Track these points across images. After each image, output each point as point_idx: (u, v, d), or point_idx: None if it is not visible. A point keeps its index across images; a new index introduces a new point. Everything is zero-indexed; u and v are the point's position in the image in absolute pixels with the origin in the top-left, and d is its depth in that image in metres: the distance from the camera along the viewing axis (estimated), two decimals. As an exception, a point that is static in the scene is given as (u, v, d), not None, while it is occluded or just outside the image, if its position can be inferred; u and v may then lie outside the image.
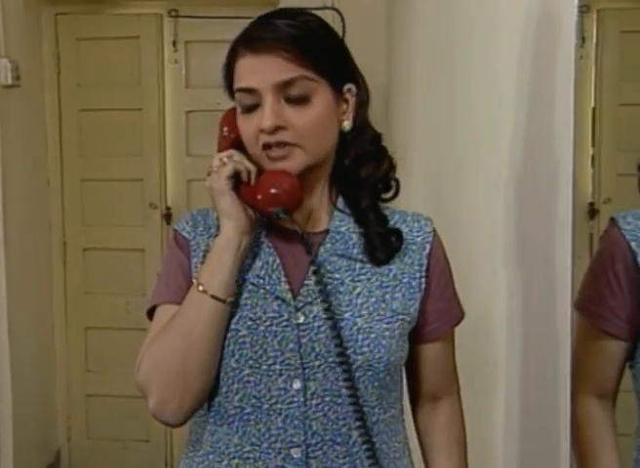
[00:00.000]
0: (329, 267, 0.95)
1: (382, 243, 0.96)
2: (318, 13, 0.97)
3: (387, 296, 0.95)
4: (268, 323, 0.93)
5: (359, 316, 0.93)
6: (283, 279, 0.94)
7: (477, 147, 1.50)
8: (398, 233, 0.97)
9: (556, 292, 1.09)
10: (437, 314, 0.99)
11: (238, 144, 0.95)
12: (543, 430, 1.16)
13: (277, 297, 0.93)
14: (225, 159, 0.94)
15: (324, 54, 0.92)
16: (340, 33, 2.26)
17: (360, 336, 0.92)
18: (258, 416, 0.93)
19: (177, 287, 0.96)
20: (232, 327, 0.93)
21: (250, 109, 0.92)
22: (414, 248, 0.98)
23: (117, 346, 3.11)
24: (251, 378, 0.92)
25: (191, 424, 1.00)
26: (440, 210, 1.71)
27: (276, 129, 0.90)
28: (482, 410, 1.39)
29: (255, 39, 0.91)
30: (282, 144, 0.91)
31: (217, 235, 0.96)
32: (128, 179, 3.10)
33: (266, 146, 0.91)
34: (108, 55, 3.05)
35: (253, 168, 0.94)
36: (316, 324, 0.92)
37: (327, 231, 0.97)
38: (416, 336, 0.99)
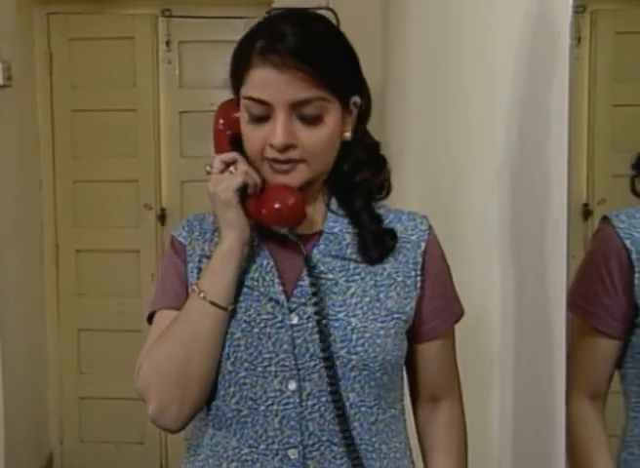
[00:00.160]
0: (322, 268, 0.94)
1: (376, 242, 0.95)
2: (313, 13, 0.97)
3: (382, 295, 0.94)
4: (262, 325, 0.92)
5: (353, 315, 0.93)
6: (277, 280, 0.94)
7: (472, 147, 1.50)
8: (392, 232, 0.97)
9: (550, 292, 1.09)
10: (435, 312, 0.99)
11: (234, 139, 0.95)
12: (537, 432, 1.16)
13: (271, 299, 0.93)
14: (232, 168, 0.93)
15: (339, 73, 0.91)
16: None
17: (354, 336, 0.92)
18: (254, 418, 0.92)
19: (174, 292, 0.97)
20: (227, 330, 0.92)
21: (259, 120, 0.90)
22: (408, 246, 0.97)
23: (110, 348, 3.10)
24: (247, 380, 0.92)
25: (192, 428, 1.00)
26: (435, 209, 1.71)
27: (287, 147, 0.89)
28: (476, 411, 1.38)
29: (271, 51, 0.88)
30: (289, 161, 0.90)
31: (212, 239, 0.96)
32: (122, 180, 3.09)
33: (273, 160, 0.91)
34: (101, 55, 3.04)
35: (259, 180, 0.94)
36: (310, 324, 0.92)
37: (321, 232, 0.97)
38: (414, 335, 0.99)
